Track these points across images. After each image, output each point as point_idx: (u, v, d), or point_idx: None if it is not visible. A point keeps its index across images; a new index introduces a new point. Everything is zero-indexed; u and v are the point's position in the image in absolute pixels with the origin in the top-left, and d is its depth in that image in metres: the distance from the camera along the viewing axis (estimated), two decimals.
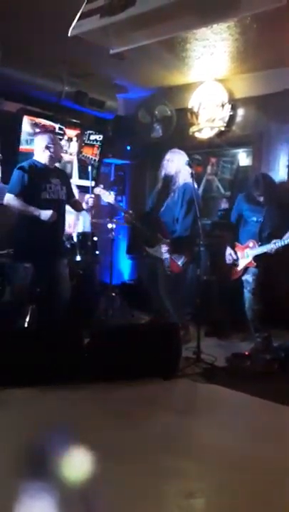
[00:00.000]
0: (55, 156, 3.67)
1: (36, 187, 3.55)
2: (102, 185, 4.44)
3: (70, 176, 4.07)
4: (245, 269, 3.96)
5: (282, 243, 3.65)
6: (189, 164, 3.87)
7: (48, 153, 3.60)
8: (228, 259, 4.02)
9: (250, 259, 3.90)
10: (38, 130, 3.75)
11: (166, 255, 3.98)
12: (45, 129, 3.69)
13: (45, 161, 3.63)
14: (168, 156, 4.11)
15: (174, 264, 3.96)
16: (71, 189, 3.93)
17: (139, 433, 2.50)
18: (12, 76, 4.45)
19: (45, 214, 3.49)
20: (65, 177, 3.84)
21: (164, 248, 3.98)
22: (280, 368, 3.53)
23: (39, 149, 3.64)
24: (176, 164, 4.05)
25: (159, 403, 2.92)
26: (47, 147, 3.60)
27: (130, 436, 2.45)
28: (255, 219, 3.94)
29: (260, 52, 4.26)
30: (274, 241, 3.70)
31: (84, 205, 4.01)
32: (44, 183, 3.56)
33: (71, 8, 2.91)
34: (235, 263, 3.99)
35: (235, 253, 3.99)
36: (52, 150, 3.61)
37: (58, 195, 3.63)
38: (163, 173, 4.12)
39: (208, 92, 5.10)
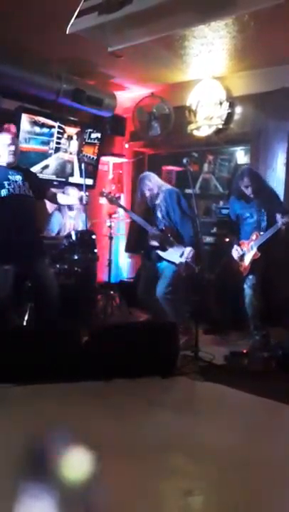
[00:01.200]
0: (12, 157, 3.57)
1: None
2: (105, 192, 4.48)
3: (34, 174, 4.02)
4: (253, 264, 3.97)
5: (277, 227, 3.79)
6: (188, 162, 3.88)
7: (3, 153, 3.55)
8: (235, 255, 4.06)
9: (254, 250, 3.95)
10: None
11: (182, 259, 3.93)
12: (4, 129, 3.62)
13: (4, 159, 3.57)
14: (145, 180, 4.13)
15: (190, 268, 3.92)
16: (38, 185, 3.83)
17: (137, 431, 2.50)
18: (10, 74, 4.44)
19: None
20: (29, 174, 3.76)
21: (179, 252, 3.95)
22: (277, 366, 3.54)
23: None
24: (155, 181, 4.12)
25: (157, 401, 2.93)
26: (6, 145, 3.55)
27: (129, 435, 2.46)
28: (249, 214, 4.05)
29: (258, 50, 4.26)
30: (278, 216, 3.78)
31: (75, 201, 4.02)
32: (1, 181, 3.52)
33: (69, 5, 2.90)
34: (242, 259, 4.02)
35: (242, 249, 4.05)
36: (6, 150, 3.54)
37: (18, 191, 3.55)
38: (146, 195, 4.09)
39: (206, 89, 5.09)
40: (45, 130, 5.03)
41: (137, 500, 1.88)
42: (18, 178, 3.59)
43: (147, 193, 4.09)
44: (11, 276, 3.48)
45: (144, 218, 4.11)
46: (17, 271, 3.51)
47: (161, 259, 4.05)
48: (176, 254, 3.97)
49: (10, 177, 3.54)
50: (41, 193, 3.85)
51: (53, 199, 3.96)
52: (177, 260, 3.96)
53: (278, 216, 3.77)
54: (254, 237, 3.99)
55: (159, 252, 4.04)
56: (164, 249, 4.02)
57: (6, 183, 3.52)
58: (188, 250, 3.92)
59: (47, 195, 3.91)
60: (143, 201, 4.15)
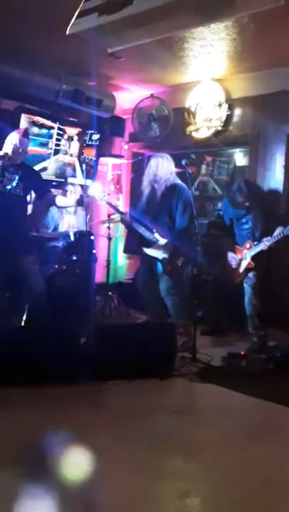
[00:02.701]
0: (17, 155, 3.63)
1: None
2: (99, 187, 4.44)
3: (37, 174, 4.05)
4: (247, 271, 4.01)
5: (273, 240, 3.84)
6: (187, 164, 3.88)
7: (9, 150, 3.61)
8: (232, 262, 4.08)
9: (248, 259, 3.99)
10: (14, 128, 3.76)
11: (165, 255, 3.95)
12: (24, 129, 3.69)
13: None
14: (154, 161, 4.06)
15: (172, 263, 3.94)
16: (39, 186, 3.89)
17: (135, 432, 2.50)
18: (10, 74, 4.45)
19: None
20: (28, 175, 3.78)
21: (162, 248, 3.95)
22: (275, 367, 3.54)
23: (7, 143, 3.65)
24: (165, 168, 4.01)
25: (155, 402, 2.93)
26: (13, 143, 3.61)
27: (126, 436, 2.45)
28: (244, 221, 4.08)
29: (258, 52, 4.27)
30: (265, 239, 3.86)
31: (72, 201, 4.02)
32: None
33: (69, 6, 2.90)
34: (238, 265, 4.04)
35: (237, 256, 4.08)
36: (11, 148, 3.59)
37: (9, 190, 3.61)
38: (151, 178, 4.03)
39: (206, 91, 5.10)
40: (44, 131, 5.02)
41: (135, 501, 1.88)
42: (14, 177, 3.64)
43: (151, 177, 4.02)
44: None
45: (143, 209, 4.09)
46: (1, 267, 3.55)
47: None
48: (160, 250, 3.96)
49: (6, 174, 3.59)
50: (41, 194, 3.87)
51: (52, 201, 3.99)
52: (160, 256, 3.97)
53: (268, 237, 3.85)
54: (248, 245, 4.03)
55: (144, 249, 4.04)
56: (149, 246, 4.01)
57: (2, 180, 3.57)
58: (166, 245, 3.91)
59: (47, 196, 3.92)
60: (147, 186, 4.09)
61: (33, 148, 4.85)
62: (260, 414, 2.86)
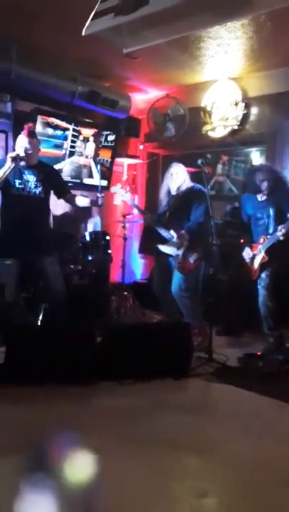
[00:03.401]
0: (29, 157, 3.62)
1: (8, 182, 3.57)
2: (119, 184, 4.45)
3: (57, 174, 4.07)
4: (262, 267, 3.97)
5: (287, 226, 3.73)
6: (203, 163, 3.88)
7: (21, 153, 3.59)
8: (246, 257, 4.05)
9: (262, 254, 3.94)
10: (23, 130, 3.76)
11: (178, 252, 3.96)
12: (27, 131, 3.69)
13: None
14: (172, 169, 4.13)
15: (185, 261, 3.95)
16: (59, 186, 3.90)
17: (151, 432, 2.50)
18: (26, 76, 4.49)
19: None
20: (48, 174, 3.79)
21: (176, 244, 3.96)
22: None
23: (17, 147, 3.65)
24: (181, 175, 4.09)
25: (171, 402, 2.92)
26: (23, 146, 3.60)
27: (142, 435, 2.45)
28: (260, 215, 4.03)
29: (275, 50, 4.24)
30: (279, 227, 3.77)
31: (87, 203, 4.05)
32: (14, 179, 3.58)
33: (85, 7, 2.91)
34: (253, 262, 4.00)
35: (252, 252, 4.04)
36: (26, 149, 3.59)
37: (28, 192, 3.63)
38: (169, 185, 4.13)
39: (222, 90, 5.08)
40: (59, 132, 4.97)
41: (149, 500, 1.88)
42: (32, 178, 3.65)
43: (170, 184, 4.10)
44: (13, 272, 3.57)
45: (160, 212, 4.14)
46: (20, 267, 3.59)
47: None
48: (174, 247, 3.96)
49: (24, 176, 3.62)
50: (61, 194, 3.90)
51: (72, 201, 4.01)
52: (174, 253, 3.96)
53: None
54: (261, 240, 3.98)
55: (159, 246, 4.05)
56: (163, 243, 4.03)
57: (17, 181, 3.60)
58: (180, 238, 3.92)
59: (66, 196, 3.95)
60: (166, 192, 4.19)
61: (47, 150, 4.81)
62: (276, 414, 2.83)
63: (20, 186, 3.61)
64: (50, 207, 3.93)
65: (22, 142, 3.61)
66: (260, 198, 4.05)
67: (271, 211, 3.97)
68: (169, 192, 4.16)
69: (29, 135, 3.64)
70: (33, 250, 3.60)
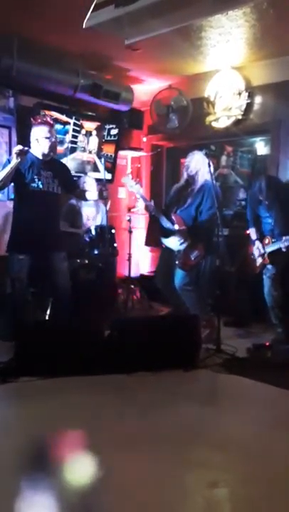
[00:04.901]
0: (46, 150, 3.58)
1: (24, 178, 3.53)
2: (130, 176, 4.43)
3: (67, 169, 4.02)
4: (263, 265, 3.98)
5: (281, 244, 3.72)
6: (207, 155, 3.85)
7: (38, 145, 3.56)
8: (255, 252, 4.04)
9: (265, 256, 3.96)
10: (33, 122, 3.70)
11: (180, 247, 3.94)
12: (41, 121, 3.64)
13: (37, 153, 3.59)
14: (189, 157, 4.07)
15: (186, 257, 3.92)
16: (70, 181, 3.89)
17: (160, 423, 2.51)
18: (27, 70, 4.46)
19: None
20: (60, 170, 3.77)
21: (179, 239, 3.93)
22: None
23: (32, 141, 3.60)
24: (197, 164, 4.00)
25: (181, 393, 2.93)
26: (37, 140, 3.56)
27: (151, 426, 2.47)
28: (267, 215, 4.01)
29: (278, 38, 4.18)
30: (285, 238, 3.72)
31: (95, 196, 4.03)
32: (32, 175, 3.55)
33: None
34: (261, 256, 3.99)
35: (263, 247, 4.01)
36: (42, 143, 3.55)
37: (48, 188, 3.61)
38: (186, 173, 4.08)
39: (225, 80, 5.03)
40: (58, 127, 4.78)
41: (162, 490, 1.89)
42: (49, 174, 3.63)
43: (187, 172, 4.06)
44: (25, 266, 3.56)
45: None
46: (32, 262, 3.57)
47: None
48: (177, 242, 3.95)
49: (42, 172, 3.59)
50: (71, 189, 3.90)
51: (82, 196, 4.00)
52: (176, 248, 3.95)
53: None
54: (266, 241, 3.97)
55: (162, 239, 4.03)
56: (167, 236, 4.00)
57: (36, 177, 3.56)
58: (182, 236, 3.89)
59: (75, 192, 3.95)
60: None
61: None
62: (287, 404, 2.84)
63: (37, 182, 3.56)
64: None
65: (41, 133, 3.54)
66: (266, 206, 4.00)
67: (275, 214, 3.93)
68: (186, 180, 4.08)
69: (46, 123, 3.60)
70: (47, 246, 3.60)
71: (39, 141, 3.55)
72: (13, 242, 3.63)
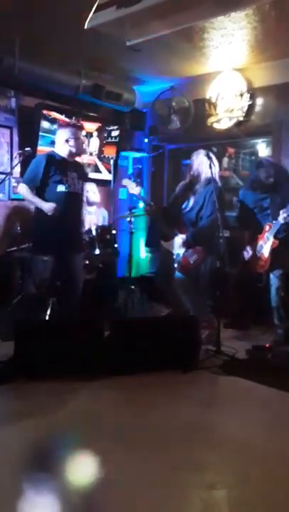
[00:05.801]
0: (76, 151, 3.67)
1: (52, 179, 3.57)
2: (132, 177, 4.45)
3: (87, 173, 4.08)
4: (274, 255, 3.92)
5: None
6: (208, 156, 3.85)
7: (67, 146, 3.62)
8: (258, 251, 4.04)
9: (271, 239, 3.90)
10: (61, 123, 3.76)
11: (179, 251, 3.93)
12: (68, 123, 3.71)
13: (64, 154, 3.64)
14: (194, 156, 4.05)
15: (185, 261, 3.92)
16: (85, 183, 3.95)
17: (161, 424, 2.51)
18: (30, 71, 4.48)
19: (48, 207, 3.50)
20: (82, 171, 3.85)
21: (178, 243, 3.93)
22: None
23: (59, 142, 3.66)
24: (200, 164, 3.98)
25: (180, 395, 2.93)
26: (67, 141, 3.61)
27: (152, 428, 2.46)
28: (266, 205, 4.01)
29: (280, 40, 4.18)
30: (281, 211, 3.75)
31: (95, 198, 4.07)
32: (61, 176, 3.58)
33: (87, 0, 2.89)
34: (262, 252, 3.98)
35: (257, 244, 4.02)
36: (72, 144, 3.62)
37: (74, 189, 3.65)
38: (191, 172, 4.05)
39: (227, 81, 5.03)
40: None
41: (160, 491, 1.89)
42: (74, 175, 3.67)
43: (191, 171, 4.03)
44: (49, 268, 3.60)
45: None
46: (54, 264, 3.60)
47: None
48: (177, 245, 3.94)
49: (68, 173, 3.62)
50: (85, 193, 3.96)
51: (87, 199, 4.05)
52: (175, 251, 3.95)
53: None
54: (267, 227, 3.95)
55: (162, 242, 4.03)
56: (167, 239, 4.00)
57: (64, 179, 3.59)
58: (182, 240, 3.89)
59: (86, 193, 4.00)
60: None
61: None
62: (285, 406, 2.83)
63: (64, 183, 3.59)
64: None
65: (70, 134, 3.60)
66: (264, 191, 4.00)
67: (276, 200, 3.94)
68: (191, 178, 4.04)
69: (75, 126, 3.70)
70: (71, 247, 3.64)
71: (69, 142, 3.61)
72: (37, 244, 3.65)
